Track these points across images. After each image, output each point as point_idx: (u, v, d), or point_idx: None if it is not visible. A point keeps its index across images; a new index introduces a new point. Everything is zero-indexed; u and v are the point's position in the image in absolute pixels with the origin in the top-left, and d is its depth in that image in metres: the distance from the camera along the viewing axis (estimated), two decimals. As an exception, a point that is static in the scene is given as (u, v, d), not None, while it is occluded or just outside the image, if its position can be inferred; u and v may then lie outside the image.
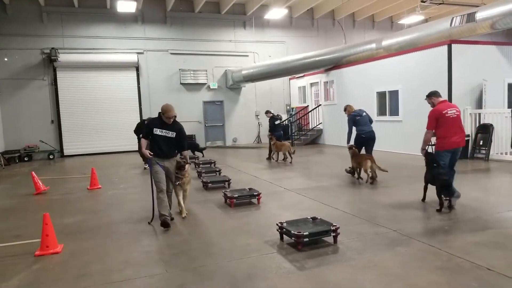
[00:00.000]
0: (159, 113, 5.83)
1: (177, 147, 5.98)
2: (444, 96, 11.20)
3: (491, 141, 10.58)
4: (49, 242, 4.83)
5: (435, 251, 4.32)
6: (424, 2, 17.26)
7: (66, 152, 17.23)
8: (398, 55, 13.33)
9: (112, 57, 17.53)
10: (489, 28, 11.02)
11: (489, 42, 12.93)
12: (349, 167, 9.30)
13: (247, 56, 19.48)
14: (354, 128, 9.23)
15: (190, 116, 18.66)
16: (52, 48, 16.42)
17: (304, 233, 4.45)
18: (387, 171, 8.18)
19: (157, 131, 5.74)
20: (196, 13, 18.55)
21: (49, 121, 17.07)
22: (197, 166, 11.18)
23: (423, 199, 6.50)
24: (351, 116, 9.26)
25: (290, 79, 20.12)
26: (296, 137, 18.07)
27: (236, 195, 6.74)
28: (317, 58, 16.38)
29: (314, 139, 17.80)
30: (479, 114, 11.16)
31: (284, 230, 4.74)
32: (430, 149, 6.52)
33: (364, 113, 9.32)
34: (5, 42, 16.25)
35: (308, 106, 18.69)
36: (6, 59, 16.40)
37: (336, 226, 4.64)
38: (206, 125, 19.06)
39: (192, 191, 8.33)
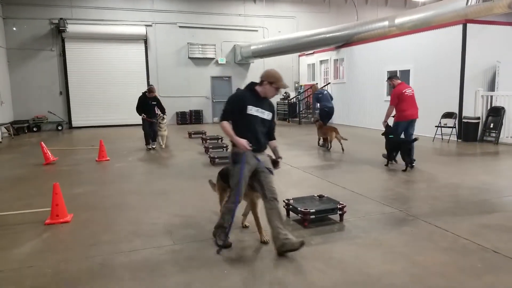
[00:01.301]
0: (253, 83, 4.07)
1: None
2: (457, 77, 11.12)
3: (502, 124, 10.43)
4: (59, 211, 4.91)
5: (441, 232, 4.33)
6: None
7: (74, 123, 17.35)
8: (411, 33, 13.05)
9: (120, 29, 17.38)
10: (506, 8, 10.67)
11: (505, 22, 12.56)
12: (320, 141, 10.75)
13: (256, 31, 19.21)
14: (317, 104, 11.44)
15: (198, 91, 18.67)
16: (61, 19, 16.29)
17: (311, 210, 4.47)
18: (346, 139, 9.91)
19: (252, 110, 3.88)
20: (205, -15, 18.24)
21: (58, 92, 17.12)
22: (204, 142, 11.21)
23: (387, 164, 7.86)
24: (315, 95, 11.29)
25: (299, 56, 19.85)
26: (304, 115, 17.95)
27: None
28: (328, 35, 16.09)
29: (322, 117, 17.69)
30: (491, 96, 10.98)
31: (290, 207, 4.77)
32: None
33: (326, 91, 11.43)
34: (14, 11, 16.15)
35: (317, 84, 18.42)
36: (14, 29, 16.33)
37: (342, 204, 4.66)
38: (214, 100, 19.00)
39: (200, 166, 8.40)
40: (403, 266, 3.56)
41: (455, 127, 11.07)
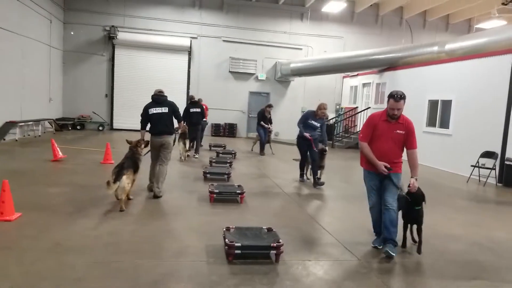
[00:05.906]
0: None
1: None
2: (502, 112, 9.80)
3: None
4: (5, 208, 4.87)
5: (387, 294, 3.57)
6: (506, 4, 15.26)
7: (115, 125, 18.01)
8: (455, 60, 11.86)
9: (167, 39, 17.87)
10: None
11: None
12: None
13: (300, 49, 18.75)
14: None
15: (234, 105, 18.61)
16: (112, 26, 17.12)
17: (236, 244, 3.92)
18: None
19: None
20: (253, 1, 18.21)
21: (103, 95, 17.91)
22: (218, 155, 10.94)
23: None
24: None
25: (343, 77, 19.03)
26: (338, 139, 17.05)
27: (217, 191, 6.32)
28: (370, 57, 15.21)
29: (357, 143, 16.60)
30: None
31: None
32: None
33: None
34: (73, 17, 17.28)
35: (357, 107, 17.54)
36: (72, 33, 17.41)
37: (279, 243, 4.03)
38: (250, 115, 18.73)
39: (189, 181, 8.07)
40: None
41: (494, 169, 9.73)
